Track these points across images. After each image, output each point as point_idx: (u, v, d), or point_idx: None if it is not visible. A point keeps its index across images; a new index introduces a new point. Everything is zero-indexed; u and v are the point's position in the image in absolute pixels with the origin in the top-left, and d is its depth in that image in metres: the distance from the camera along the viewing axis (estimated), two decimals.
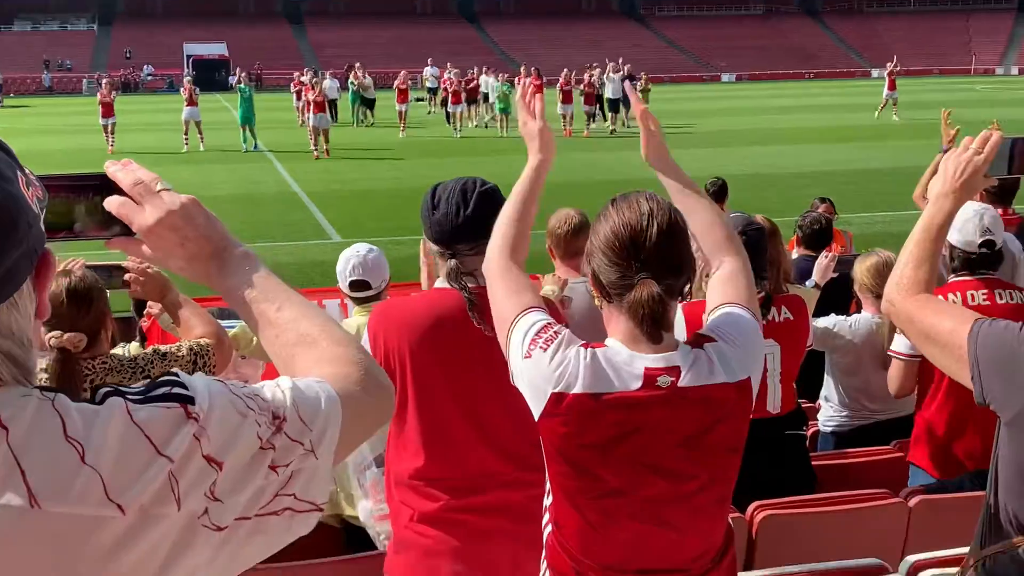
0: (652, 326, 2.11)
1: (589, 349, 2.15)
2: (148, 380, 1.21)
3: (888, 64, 33.85)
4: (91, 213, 1.36)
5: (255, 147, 26.06)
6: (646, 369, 2.12)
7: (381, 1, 75.77)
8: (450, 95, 30.53)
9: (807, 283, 5.43)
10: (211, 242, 1.42)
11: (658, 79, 33.91)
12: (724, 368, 2.17)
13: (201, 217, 1.42)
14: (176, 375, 1.19)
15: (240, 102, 26.42)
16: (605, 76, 31.01)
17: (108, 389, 1.15)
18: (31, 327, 1.16)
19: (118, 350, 4.38)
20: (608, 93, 30.61)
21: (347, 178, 20.99)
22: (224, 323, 3.74)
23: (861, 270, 5.02)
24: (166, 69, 64.21)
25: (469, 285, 2.75)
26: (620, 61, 33.47)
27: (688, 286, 2.22)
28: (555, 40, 70.65)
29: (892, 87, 32.57)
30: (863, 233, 8.69)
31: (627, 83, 2.74)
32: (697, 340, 2.23)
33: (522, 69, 32.26)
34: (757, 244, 4.13)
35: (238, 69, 30.20)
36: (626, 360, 2.14)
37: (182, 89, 27.38)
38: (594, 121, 30.84)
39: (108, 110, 26.17)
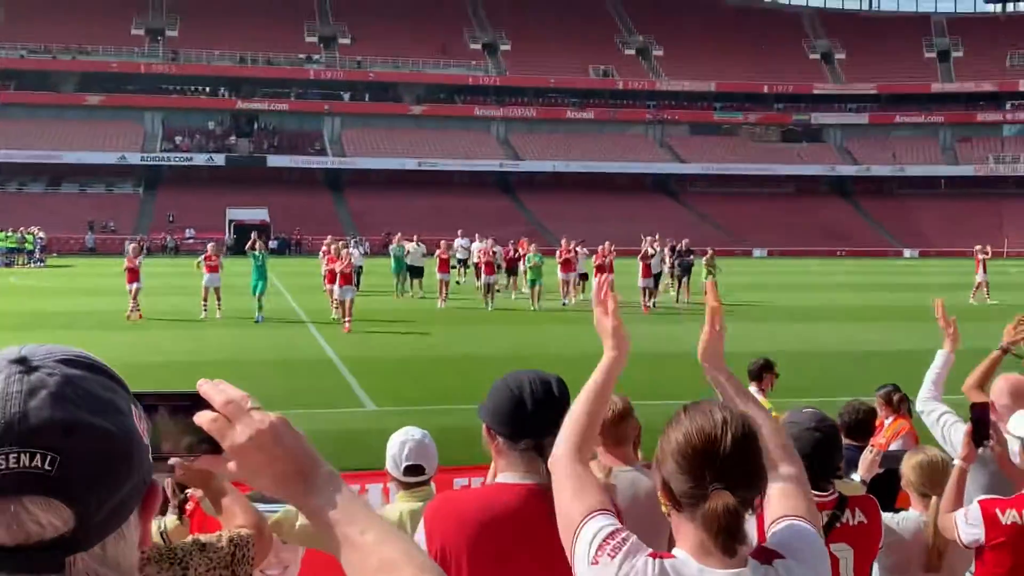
0: (727, 539, 2.05)
1: (657, 560, 2.09)
2: None
3: (977, 246, 33.01)
4: (182, 432, 1.38)
5: (258, 318, 24.82)
6: None
7: (420, 173, 77.93)
8: (483, 265, 30.10)
9: (853, 476, 5.33)
10: (297, 462, 1.42)
11: None
12: None
13: (290, 437, 1.42)
14: None
15: (252, 269, 25.45)
16: (651, 248, 29.36)
17: None
18: (135, 557, 1.18)
19: (153, 524, 4.33)
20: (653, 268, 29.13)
21: (381, 345, 21.14)
22: (267, 507, 3.70)
23: (908, 467, 4.94)
24: (208, 233, 65.79)
25: None
26: (657, 235, 32.45)
27: (760, 498, 2.17)
28: (589, 213, 71.98)
29: (983, 269, 31.83)
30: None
31: (709, 284, 2.72)
32: (766, 556, 2.15)
33: (563, 241, 31.18)
34: (833, 441, 4.05)
35: (253, 234, 28.42)
36: (695, 573, 2.08)
37: (202, 257, 26.41)
38: (653, 296, 29.01)
39: (133, 275, 25.17)
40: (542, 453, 2.74)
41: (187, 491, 3.95)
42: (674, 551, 2.15)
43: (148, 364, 17.60)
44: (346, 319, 23.56)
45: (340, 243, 30.20)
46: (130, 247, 27.91)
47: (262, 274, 25.39)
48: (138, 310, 24.99)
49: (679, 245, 32.29)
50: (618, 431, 4.29)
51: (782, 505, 2.33)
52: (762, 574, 2.10)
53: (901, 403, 7.83)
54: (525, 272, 30.48)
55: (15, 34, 76.65)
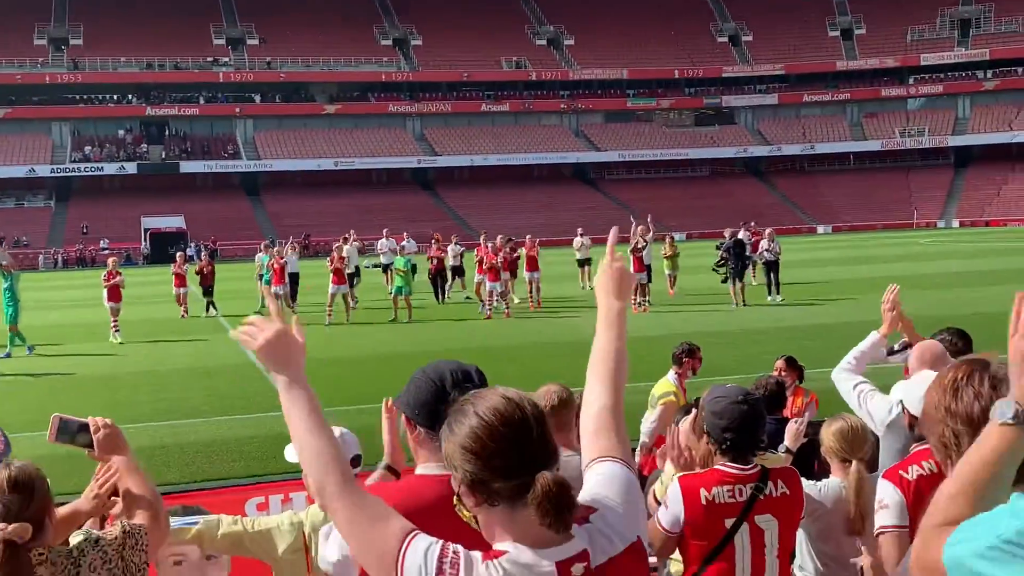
0: (567, 516, 2.02)
1: (493, 561, 2.01)
2: None
3: None
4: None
5: (28, 350, 20.98)
6: (557, 563, 2.03)
7: (337, 172, 77.26)
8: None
9: (779, 448, 5.42)
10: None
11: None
12: (617, 535, 2.12)
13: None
14: None
15: (2, 292, 21.31)
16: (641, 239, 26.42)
17: None
18: None
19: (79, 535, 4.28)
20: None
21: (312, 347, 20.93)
22: (188, 519, 3.69)
23: (828, 434, 5.02)
24: (123, 243, 64.54)
25: None
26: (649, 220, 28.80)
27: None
28: (510, 205, 72.06)
29: None
30: (819, 389, 8.66)
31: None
32: (583, 514, 2.12)
33: (499, 239, 27.55)
34: (757, 414, 4.10)
35: None
36: (534, 560, 2.02)
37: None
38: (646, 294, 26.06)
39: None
40: None
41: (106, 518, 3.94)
42: (502, 546, 2.07)
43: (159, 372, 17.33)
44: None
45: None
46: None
47: (13, 298, 21.21)
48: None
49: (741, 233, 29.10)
50: (560, 418, 4.39)
51: (595, 446, 2.33)
52: (587, 535, 2.08)
53: (800, 368, 8.20)
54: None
55: None
